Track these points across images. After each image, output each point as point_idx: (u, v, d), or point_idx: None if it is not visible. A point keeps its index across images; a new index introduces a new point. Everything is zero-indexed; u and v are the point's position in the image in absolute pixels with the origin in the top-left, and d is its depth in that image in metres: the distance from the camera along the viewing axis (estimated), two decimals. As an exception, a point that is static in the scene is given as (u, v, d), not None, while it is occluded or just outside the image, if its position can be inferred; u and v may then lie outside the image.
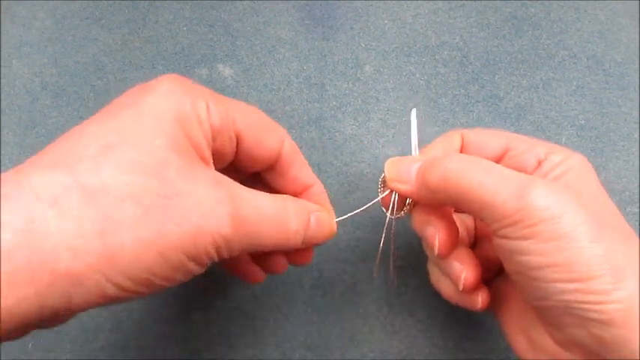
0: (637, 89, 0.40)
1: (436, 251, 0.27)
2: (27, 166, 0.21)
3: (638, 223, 0.36)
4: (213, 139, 0.24)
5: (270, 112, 0.39)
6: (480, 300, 0.27)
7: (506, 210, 0.22)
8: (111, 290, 0.20)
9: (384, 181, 0.29)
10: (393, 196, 0.28)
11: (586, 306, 0.21)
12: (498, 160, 0.28)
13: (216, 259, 0.22)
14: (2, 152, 0.39)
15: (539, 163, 0.26)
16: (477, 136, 0.28)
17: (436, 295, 0.30)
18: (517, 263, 0.23)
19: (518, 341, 0.27)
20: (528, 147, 0.27)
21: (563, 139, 0.39)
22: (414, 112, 0.30)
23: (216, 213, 0.21)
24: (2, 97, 0.40)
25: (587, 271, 0.21)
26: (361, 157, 0.38)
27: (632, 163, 0.38)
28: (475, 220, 0.32)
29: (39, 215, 0.19)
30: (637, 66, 0.41)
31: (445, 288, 0.29)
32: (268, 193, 0.25)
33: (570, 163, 0.26)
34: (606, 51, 0.42)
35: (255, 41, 0.42)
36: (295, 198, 0.26)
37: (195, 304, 0.35)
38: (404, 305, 0.35)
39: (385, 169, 0.28)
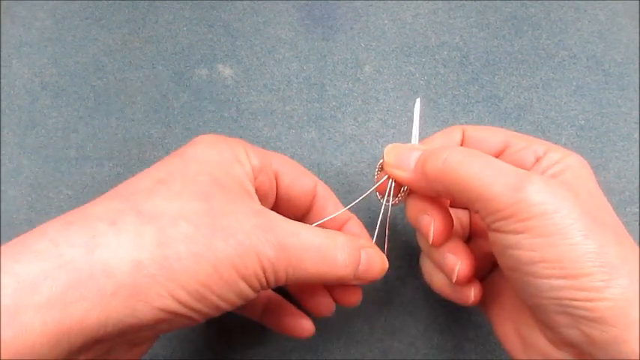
0: (637, 89, 0.40)
1: (430, 240, 0.27)
2: (88, 203, 0.22)
3: (638, 223, 0.36)
4: (255, 177, 0.26)
5: (270, 112, 0.40)
6: (473, 294, 0.27)
7: (501, 202, 0.22)
8: (172, 304, 0.20)
9: (381, 167, 0.29)
10: (390, 182, 0.28)
11: (577, 303, 0.21)
12: (497, 156, 0.28)
13: (264, 282, 0.23)
14: (2, 152, 0.39)
15: (538, 160, 0.27)
16: (477, 132, 0.29)
17: (436, 295, 0.30)
18: (510, 257, 0.23)
19: (511, 340, 0.27)
20: (527, 144, 0.27)
21: (563, 139, 0.39)
22: (418, 101, 0.30)
23: (258, 236, 0.22)
24: (2, 97, 0.40)
25: (579, 267, 0.21)
26: (361, 157, 0.38)
27: (632, 163, 0.38)
28: (470, 215, 0.32)
29: (100, 231, 0.20)
30: (637, 66, 0.41)
31: (438, 282, 0.29)
32: (314, 227, 0.26)
33: (568, 162, 0.26)
34: (606, 51, 0.42)
35: (255, 41, 0.42)
36: (345, 234, 0.27)
37: (195, 304, 0.35)
38: (404, 305, 0.35)
39: (384, 154, 0.28)
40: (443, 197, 0.28)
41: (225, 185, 0.24)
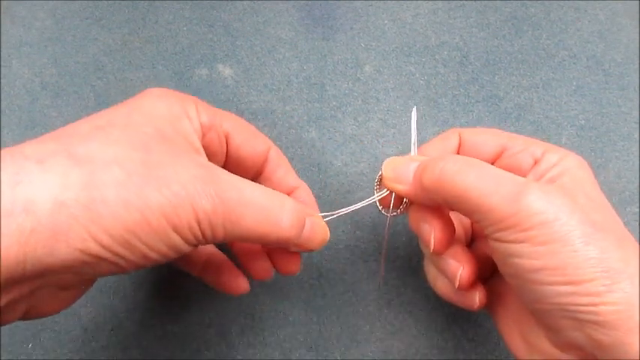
0: (637, 89, 0.40)
1: (431, 248, 0.27)
2: (22, 144, 0.22)
3: (638, 223, 0.36)
4: (203, 135, 0.26)
5: (270, 112, 0.40)
6: (477, 299, 0.27)
7: (500, 213, 0.23)
8: (93, 246, 0.20)
9: (380, 180, 0.29)
10: (392, 195, 0.28)
11: (581, 308, 0.21)
12: (495, 160, 0.28)
13: (199, 235, 0.23)
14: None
15: (536, 162, 0.26)
16: (474, 136, 0.29)
17: (436, 295, 0.30)
18: (512, 266, 0.23)
19: (515, 342, 0.27)
20: (525, 146, 0.27)
21: (563, 139, 0.39)
22: (414, 111, 0.30)
23: (196, 187, 0.22)
24: (2, 97, 0.40)
25: (581, 274, 0.21)
26: (361, 157, 0.38)
27: (632, 163, 0.38)
28: None
29: (25, 168, 0.20)
30: (637, 66, 0.41)
31: (442, 287, 0.29)
32: (263, 186, 0.25)
33: (567, 164, 0.26)
34: (606, 51, 0.42)
35: (255, 41, 0.42)
36: (294, 199, 0.27)
37: (195, 304, 0.35)
38: (404, 305, 0.35)
39: (383, 169, 0.28)
40: (443, 207, 0.28)
41: (170, 138, 0.24)
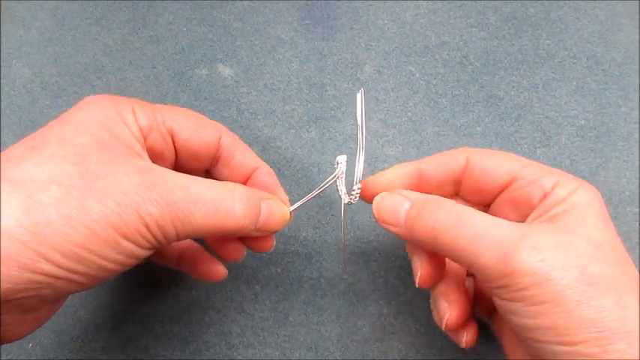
0: (637, 89, 0.40)
1: (416, 283, 0.27)
2: None
3: (638, 223, 0.36)
4: (145, 137, 0.26)
5: (270, 112, 0.40)
6: (465, 341, 0.27)
7: (493, 273, 0.23)
8: (46, 266, 0.20)
9: (337, 162, 0.29)
10: (343, 181, 0.29)
11: None
12: (503, 189, 0.27)
13: (151, 239, 0.23)
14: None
15: (545, 195, 0.25)
16: (483, 161, 0.27)
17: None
18: (510, 321, 0.23)
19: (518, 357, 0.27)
20: (536, 177, 0.26)
21: (563, 139, 0.39)
22: (360, 93, 0.28)
23: (138, 193, 0.22)
24: (2, 97, 0.40)
25: (574, 334, 0.21)
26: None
27: (632, 163, 0.38)
28: None
29: None
30: (637, 66, 0.41)
31: (434, 315, 0.29)
32: (210, 180, 0.25)
33: (575, 200, 0.24)
34: (606, 51, 0.42)
35: (255, 41, 0.42)
36: (245, 186, 0.27)
37: (195, 303, 0.35)
38: (404, 305, 0.35)
39: (373, 209, 0.28)
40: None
41: (108, 145, 0.23)
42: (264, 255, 0.36)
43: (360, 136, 0.27)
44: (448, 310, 0.27)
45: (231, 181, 0.29)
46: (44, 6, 0.44)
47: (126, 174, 0.23)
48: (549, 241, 0.22)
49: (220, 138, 0.29)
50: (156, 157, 0.27)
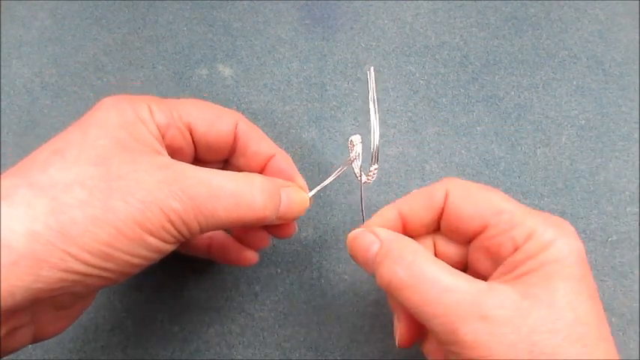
0: (637, 89, 0.40)
1: (397, 343, 0.27)
2: None
3: (638, 224, 0.36)
4: (163, 135, 0.26)
5: (270, 112, 0.40)
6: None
7: (441, 340, 0.22)
8: (76, 265, 0.21)
9: (351, 143, 0.29)
10: (359, 162, 0.29)
11: None
12: (477, 235, 0.26)
13: (176, 234, 0.23)
14: (2, 152, 0.39)
15: (515, 249, 0.24)
16: (459, 203, 0.26)
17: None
18: None
19: None
20: (509, 227, 0.24)
21: (563, 139, 0.39)
22: (371, 70, 0.27)
23: (161, 189, 0.23)
24: (2, 97, 0.40)
25: None
26: (361, 156, 0.38)
27: (632, 163, 0.38)
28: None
29: None
30: (637, 66, 0.41)
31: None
32: (230, 172, 0.26)
33: (546, 257, 0.23)
34: (606, 51, 0.42)
35: (255, 41, 0.42)
36: (264, 176, 0.27)
37: (195, 303, 0.35)
38: (404, 305, 0.35)
39: (347, 243, 0.28)
40: None
41: (128, 146, 0.24)
42: (265, 255, 0.36)
43: (373, 114, 0.27)
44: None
45: (249, 170, 0.30)
46: (44, 6, 0.44)
47: (147, 172, 0.23)
48: (503, 310, 0.21)
49: (236, 127, 0.29)
50: (175, 153, 0.27)
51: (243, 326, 0.34)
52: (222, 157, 0.30)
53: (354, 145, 0.29)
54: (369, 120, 0.28)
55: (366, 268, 0.26)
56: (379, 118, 0.28)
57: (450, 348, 0.22)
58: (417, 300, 0.23)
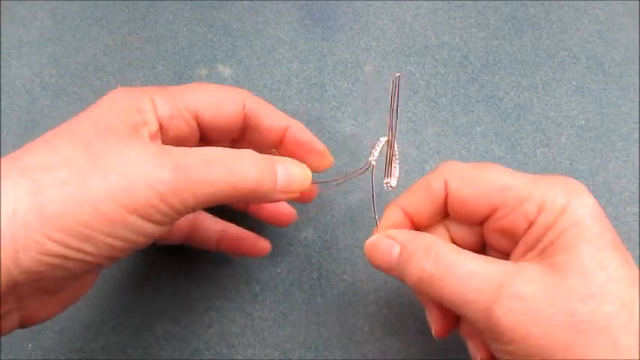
0: (637, 89, 0.40)
1: (434, 334, 0.27)
2: None
3: (638, 223, 0.36)
4: (167, 126, 0.26)
5: (270, 112, 0.40)
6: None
7: (479, 327, 0.22)
8: (53, 246, 0.20)
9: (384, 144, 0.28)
10: (372, 169, 0.28)
11: None
12: (487, 217, 0.25)
13: (167, 210, 0.22)
14: (2, 152, 0.39)
15: (530, 224, 0.23)
16: (462, 188, 0.25)
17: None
18: None
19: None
20: (518, 202, 0.24)
21: (563, 139, 0.39)
22: (396, 78, 0.27)
23: (149, 163, 0.22)
24: (2, 97, 0.40)
25: None
26: (361, 157, 0.38)
27: (632, 163, 0.38)
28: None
29: None
30: (637, 66, 0.41)
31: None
32: (218, 147, 0.25)
33: (564, 224, 0.22)
34: (606, 51, 0.42)
35: (255, 41, 0.42)
36: (253, 151, 0.26)
37: (195, 304, 0.35)
38: (404, 305, 0.35)
39: (366, 255, 0.27)
40: None
41: (118, 131, 0.23)
42: (265, 255, 0.36)
43: (392, 124, 0.27)
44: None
45: (265, 145, 0.30)
46: (44, 6, 0.44)
47: (133, 148, 0.22)
48: (534, 285, 0.21)
49: (244, 108, 0.28)
50: (180, 143, 0.26)
51: (243, 326, 0.34)
52: (230, 138, 0.30)
53: (377, 147, 0.28)
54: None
55: (390, 272, 0.26)
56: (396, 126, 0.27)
57: (490, 335, 0.22)
58: (449, 291, 0.23)
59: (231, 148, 0.26)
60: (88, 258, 0.21)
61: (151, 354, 0.34)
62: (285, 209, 0.33)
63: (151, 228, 0.22)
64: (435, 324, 0.27)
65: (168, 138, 0.26)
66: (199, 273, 0.35)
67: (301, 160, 0.28)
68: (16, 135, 0.39)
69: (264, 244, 0.33)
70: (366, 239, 0.27)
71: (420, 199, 0.27)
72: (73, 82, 0.41)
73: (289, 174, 0.26)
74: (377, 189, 0.28)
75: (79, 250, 0.21)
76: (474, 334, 0.27)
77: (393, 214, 0.28)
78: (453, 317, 0.27)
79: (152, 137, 0.25)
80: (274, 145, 0.30)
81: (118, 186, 0.21)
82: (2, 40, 0.42)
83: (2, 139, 0.39)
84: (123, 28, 0.43)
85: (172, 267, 0.35)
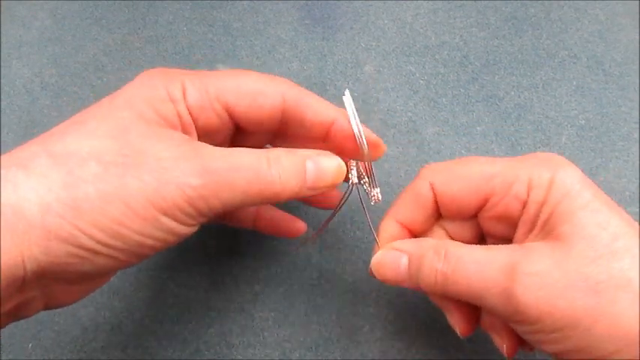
0: (637, 89, 0.40)
1: (459, 334, 0.27)
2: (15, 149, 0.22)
3: (638, 224, 0.36)
4: (197, 116, 0.25)
5: (270, 112, 0.40)
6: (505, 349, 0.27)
7: (502, 314, 0.23)
8: (86, 241, 0.21)
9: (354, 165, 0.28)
10: (355, 170, 0.28)
11: None
12: (480, 209, 0.26)
13: (193, 213, 0.22)
14: (2, 152, 0.38)
15: (524, 205, 0.24)
16: (449, 186, 0.26)
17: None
18: (540, 349, 0.23)
19: None
20: (506, 186, 0.25)
21: (563, 139, 0.39)
22: (347, 95, 0.27)
23: (179, 166, 0.22)
24: (2, 97, 0.40)
25: (604, 348, 0.21)
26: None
27: (632, 163, 0.38)
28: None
29: (10, 174, 0.20)
30: (637, 66, 0.41)
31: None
32: (248, 148, 0.24)
33: (555, 197, 0.23)
34: (606, 51, 0.42)
35: (255, 41, 0.42)
36: (284, 149, 0.25)
37: (195, 304, 0.35)
38: (404, 305, 0.35)
39: (374, 272, 0.27)
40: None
41: (150, 120, 0.23)
42: (265, 255, 0.36)
43: (358, 137, 0.27)
44: (503, 344, 0.27)
45: (309, 140, 0.28)
46: (44, 6, 0.44)
47: (166, 149, 0.22)
48: (546, 261, 0.22)
49: (284, 100, 0.26)
50: (210, 134, 0.26)
51: (243, 326, 0.34)
52: (269, 130, 0.28)
53: (350, 170, 0.28)
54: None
55: (401, 284, 0.26)
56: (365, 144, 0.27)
57: (515, 319, 0.22)
58: (466, 283, 0.23)
59: (272, 140, 0.25)
60: (117, 254, 0.22)
61: (151, 354, 0.34)
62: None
63: (178, 227, 0.23)
64: (458, 325, 0.27)
65: (197, 129, 0.26)
66: (199, 273, 0.35)
67: (352, 152, 0.27)
68: (16, 135, 0.39)
69: (300, 225, 0.33)
70: (370, 258, 0.28)
71: (411, 207, 0.27)
72: (73, 82, 0.41)
73: (319, 169, 0.25)
74: (365, 204, 0.29)
75: (108, 246, 0.21)
76: (496, 325, 0.27)
77: (389, 227, 0.28)
78: (474, 314, 0.27)
79: (184, 130, 0.25)
80: (320, 140, 0.28)
81: (151, 186, 0.21)
82: (2, 40, 0.42)
83: (2, 139, 0.39)
84: (123, 28, 0.43)
85: (172, 267, 0.35)
